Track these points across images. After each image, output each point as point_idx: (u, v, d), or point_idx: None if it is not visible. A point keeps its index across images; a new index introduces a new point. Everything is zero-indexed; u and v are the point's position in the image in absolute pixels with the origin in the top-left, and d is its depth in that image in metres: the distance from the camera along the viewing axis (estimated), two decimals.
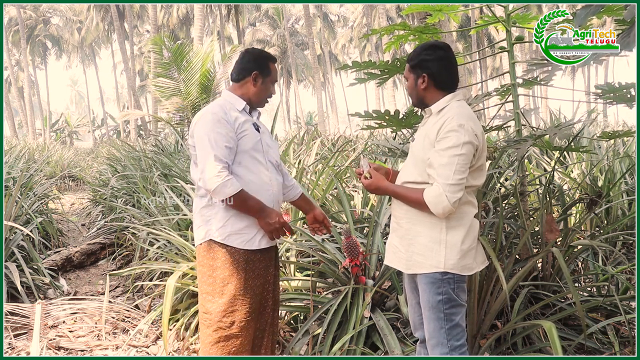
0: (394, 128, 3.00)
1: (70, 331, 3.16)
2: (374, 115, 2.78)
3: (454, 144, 1.74)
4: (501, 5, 2.80)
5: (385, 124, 2.88)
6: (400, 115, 2.80)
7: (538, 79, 2.81)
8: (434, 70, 1.87)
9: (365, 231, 3.29)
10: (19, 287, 3.49)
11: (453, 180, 1.73)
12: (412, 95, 1.98)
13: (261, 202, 2.05)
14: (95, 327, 3.23)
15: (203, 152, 1.98)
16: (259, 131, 2.17)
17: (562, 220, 3.16)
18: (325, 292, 2.96)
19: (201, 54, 9.65)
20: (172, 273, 3.03)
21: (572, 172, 4.90)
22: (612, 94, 2.45)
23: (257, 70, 2.15)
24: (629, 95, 2.42)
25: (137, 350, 3.00)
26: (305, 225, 3.56)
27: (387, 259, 2.02)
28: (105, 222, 5.98)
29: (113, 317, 3.31)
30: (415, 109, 2.52)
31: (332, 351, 2.41)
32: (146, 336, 3.14)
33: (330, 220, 3.45)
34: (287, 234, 2.13)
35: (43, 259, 4.67)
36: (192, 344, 2.95)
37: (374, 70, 2.87)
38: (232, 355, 2.08)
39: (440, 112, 1.87)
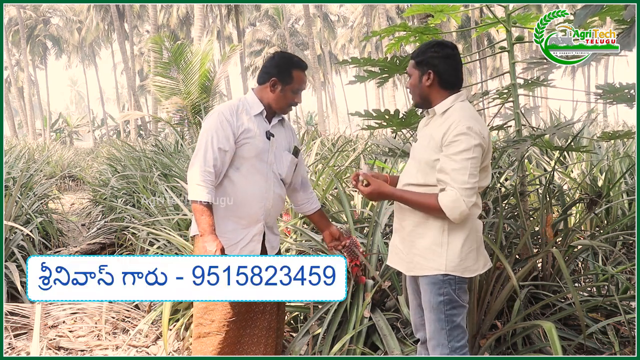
0: (394, 128, 3.00)
1: (70, 331, 3.16)
2: (374, 114, 2.78)
3: (465, 148, 1.71)
4: (501, 6, 2.80)
5: (385, 123, 2.88)
6: (400, 115, 2.80)
7: (538, 79, 2.81)
8: (441, 67, 1.84)
9: (365, 231, 3.29)
10: (19, 287, 3.49)
11: (469, 184, 1.70)
12: (415, 93, 1.91)
13: (212, 227, 1.94)
14: (95, 327, 3.23)
15: (197, 148, 2.02)
16: (269, 139, 2.09)
17: (562, 220, 3.15)
18: None
19: (200, 53, 9.65)
20: None
21: (572, 172, 4.90)
22: (612, 94, 2.45)
23: (275, 77, 2.05)
24: (629, 96, 2.42)
25: (137, 350, 3.00)
26: (305, 225, 3.56)
27: (390, 260, 2.02)
28: (105, 222, 5.98)
29: (113, 317, 3.31)
30: (416, 108, 2.51)
31: (332, 351, 2.41)
32: (146, 336, 3.14)
33: (330, 220, 3.44)
34: None
35: None
36: (192, 344, 2.95)
37: (374, 68, 2.87)
38: (217, 353, 2.11)
39: (444, 114, 1.83)
